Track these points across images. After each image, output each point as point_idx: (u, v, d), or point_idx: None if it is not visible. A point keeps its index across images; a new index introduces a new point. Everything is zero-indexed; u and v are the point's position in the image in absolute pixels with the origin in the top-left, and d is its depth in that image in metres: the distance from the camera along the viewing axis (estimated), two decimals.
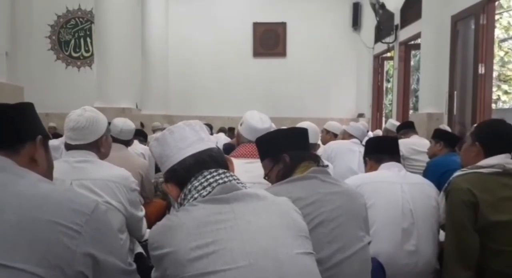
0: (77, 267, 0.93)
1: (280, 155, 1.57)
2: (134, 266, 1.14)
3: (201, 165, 1.19)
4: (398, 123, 5.14)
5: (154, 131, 6.41)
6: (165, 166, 1.24)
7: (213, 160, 1.21)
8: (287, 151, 1.57)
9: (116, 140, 2.86)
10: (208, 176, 1.17)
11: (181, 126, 1.26)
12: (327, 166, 1.62)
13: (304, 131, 1.66)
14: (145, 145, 4.36)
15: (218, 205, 1.11)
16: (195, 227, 1.06)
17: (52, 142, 3.30)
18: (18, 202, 0.93)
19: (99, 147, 1.97)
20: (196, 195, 1.15)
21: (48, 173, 1.14)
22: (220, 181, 1.16)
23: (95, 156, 1.94)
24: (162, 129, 2.89)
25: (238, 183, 1.19)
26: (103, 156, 2.01)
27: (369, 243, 1.53)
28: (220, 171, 1.19)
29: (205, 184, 1.16)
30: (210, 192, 1.14)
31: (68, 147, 1.94)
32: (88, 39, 9.40)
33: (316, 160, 1.60)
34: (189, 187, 1.17)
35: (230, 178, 1.18)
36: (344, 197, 1.51)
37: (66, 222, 0.93)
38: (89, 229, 0.96)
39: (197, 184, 1.16)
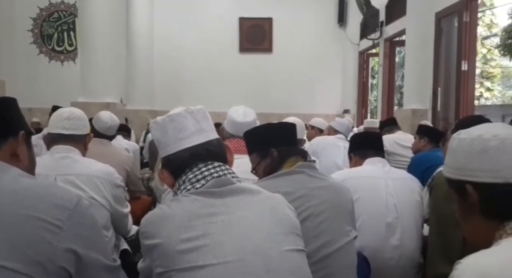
0: (58, 263, 0.91)
1: (268, 149, 1.57)
2: (119, 262, 1.13)
3: (197, 159, 1.17)
4: (376, 120, 5.18)
5: None
6: (162, 151, 1.23)
7: (210, 154, 1.18)
8: (275, 145, 1.57)
9: (101, 135, 2.82)
10: (203, 169, 1.15)
11: (183, 114, 1.21)
12: (314, 161, 1.63)
13: (292, 127, 1.66)
14: (129, 140, 4.32)
15: (211, 198, 1.10)
16: (187, 219, 1.05)
17: (33, 138, 3.25)
18: None
19: (86, 143, 1.99)
20: (189, 187, 1.14)
21: (30, 169, 1.12)
22: (215, 175, 1.15)
23: (79, 153, 1.93)
24: None
25: (233, 177, 1.17)
26: (85, 154, 2.00)
27: (355, 237, 1.54)
28: (216, 164, 1.17)
29: (200, 177, 1.14)
30: (204, 185, 1.13)
31: (58, 139, 1.90)
32: (72, 33, 9.22)
33: (304, 155, 1.60)
34: (183, 178, 1.16)
35: (226, 172, 1.17)
36: (331, 192, 1.51)
37: (48, 217, 0.92)
38: (71, 224, 0.94)
39: (191, 176, 1.15)
